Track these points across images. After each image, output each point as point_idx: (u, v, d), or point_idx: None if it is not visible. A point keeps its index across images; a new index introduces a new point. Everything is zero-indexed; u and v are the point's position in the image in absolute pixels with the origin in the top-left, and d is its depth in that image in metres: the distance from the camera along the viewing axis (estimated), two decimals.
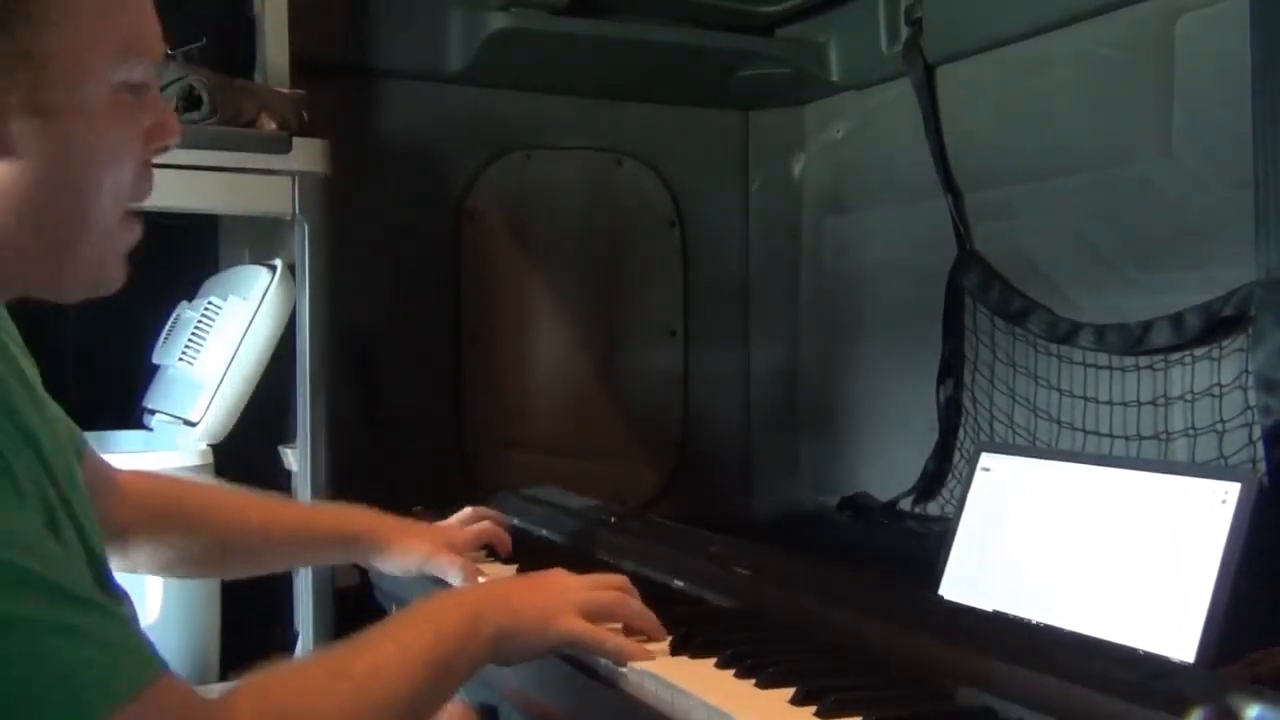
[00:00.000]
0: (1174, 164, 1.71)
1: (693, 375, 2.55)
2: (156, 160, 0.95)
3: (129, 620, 0.85)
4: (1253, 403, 1.55)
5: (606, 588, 1.18)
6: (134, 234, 0.94)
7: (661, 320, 2.53)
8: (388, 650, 0.99)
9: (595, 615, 1.14)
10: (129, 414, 2.20)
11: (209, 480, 1.92)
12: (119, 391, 2.21)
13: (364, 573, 1.68)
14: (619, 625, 1.17)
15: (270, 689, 0.91)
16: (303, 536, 1.44)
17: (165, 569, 1.41)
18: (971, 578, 1.40)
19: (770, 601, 1.30)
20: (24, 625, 0.75)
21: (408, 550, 1.45)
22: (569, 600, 1.14)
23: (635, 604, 1.18)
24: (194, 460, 1.91)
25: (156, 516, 1.31)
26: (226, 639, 1.93)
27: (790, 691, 0.99)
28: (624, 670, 1.11)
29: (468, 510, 1.60)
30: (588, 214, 2.47)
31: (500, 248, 2.40)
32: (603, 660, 1.14)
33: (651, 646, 1.15)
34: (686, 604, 1.33)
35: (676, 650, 1.14)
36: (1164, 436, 1.69)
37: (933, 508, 2.08)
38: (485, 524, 1.57)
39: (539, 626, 1.11)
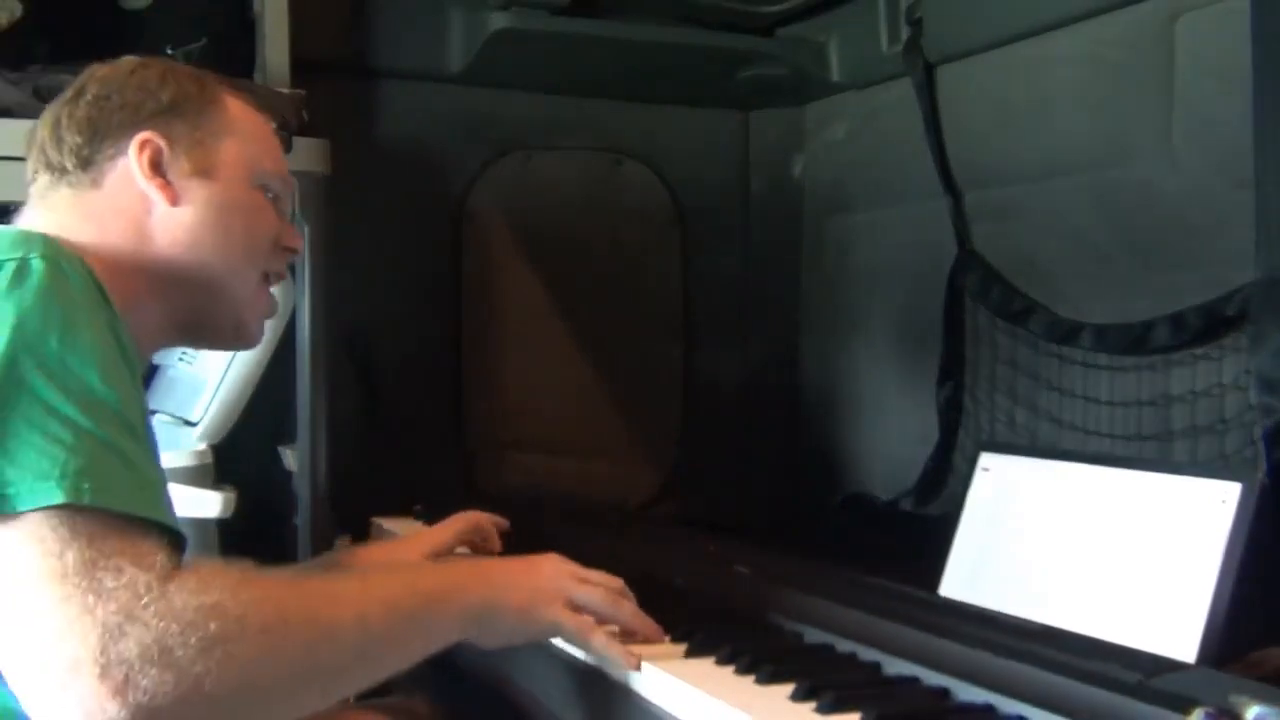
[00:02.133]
0: (1174, 164, 1.70)
1: (693, 375, 2.54)
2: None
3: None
4: (1253, 403, 1.54)
5: (601, 586, 1.17)
6: (271, 305, 1.31)
7: (661, 320, 2.53)
8: (350, 584, 1.02)
9: (585, 612, 1.13)
10: None
11: (209, 482, 1.93)
12: None
13: None
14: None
15: (217, 575, 0.91)
16: None
17: None
18: (971, 578, 1.40)
19: (769, 601, 1.30)
20: (89, 432, 0.91)
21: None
22: (559, 589, 1.13)
23: (629, 606, 1.17)
24: (194, 460, 1.91)
25: None
26: None
27: (790, 688, 0.99)
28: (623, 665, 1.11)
29: (459, 515, 1.59)
30: (588, 214, 2.47)
31: (500, 248, 2.40)
32: (600, 656, 1.14)
33: (650, 644, 1.15)
34: (686, 602, 1.33)
35: (675, 647, 1.14)
36: (1165, 436, 1.68)
37: (933, 508, 2.08)
38: (462, 523, 1.55)
39: (523, 612, 1.10)
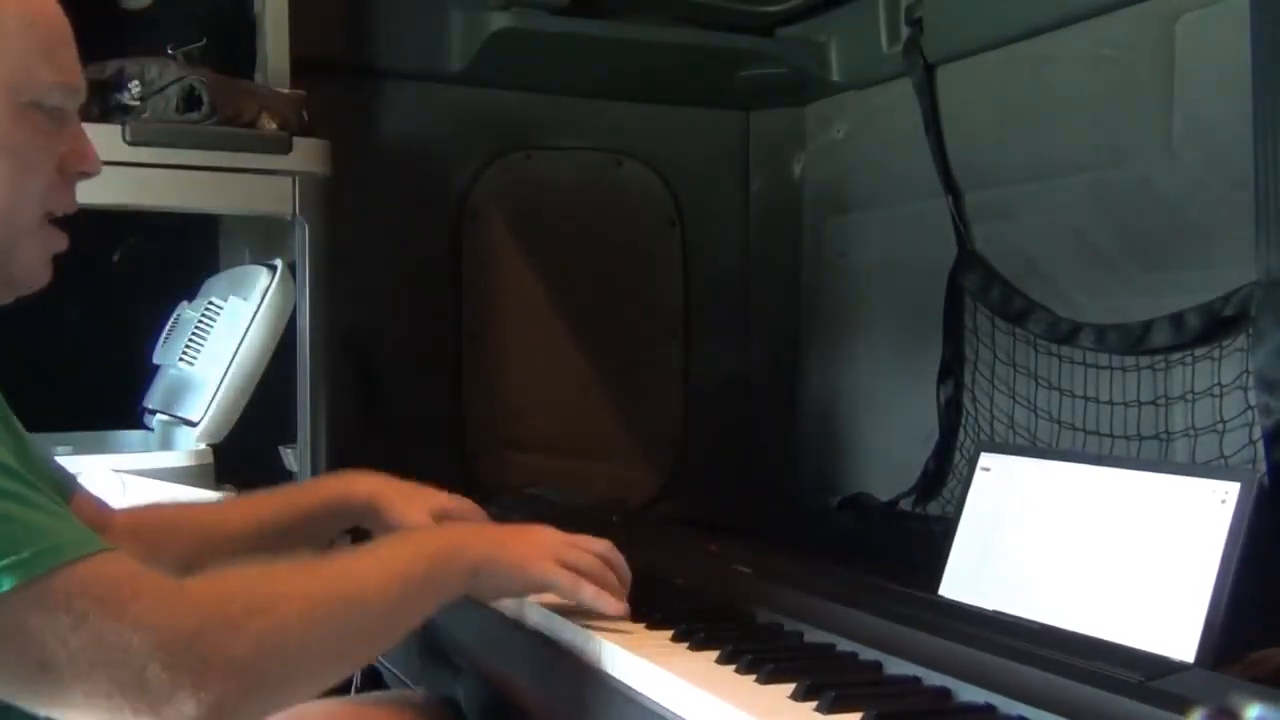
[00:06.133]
0: (1174, 164, 1.70)
1: (693, 375, 2.54)
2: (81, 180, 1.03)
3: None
4: (1253, 403, 1.54)
5: (588, 549, 1.22)
6: (58, 240, 1.03)
7: (661, 320, 2.53)
8: (363, 560, 1.04)
9: (573, 569, 1.20)
10: (129, 414, 2.20)
11: (209, 481, 1.93)
12: (119, 391, 2.21)
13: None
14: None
15: (230, 573, 0.95)
16: (288, 514, 1.37)
17: None
18: (971, 578, 1.40)
19: (770, 600, 1.30)
20: None
21: (403, 517, 1.40)
22: (551, 549, 1.19)
23: (611, 575, 1.22)
24: (194, 460, 1.91)
25: (141, 537, 1.28)
26: None
27: (790, 687, 0.99)
28: (622, 664, 1.11)
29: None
30: (588, 214, 2.47)
31: (500, 248, 2.40)
32: (600, 654, 1.15)
33: (654, 637, 1.16)
34: (686, 601, 1.33)
35: (676, 645, 1.14)
36: (1164, 436, 1.69)
37: (933, 508, 2.08)
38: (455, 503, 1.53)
39: (518, 565, 1.16)
